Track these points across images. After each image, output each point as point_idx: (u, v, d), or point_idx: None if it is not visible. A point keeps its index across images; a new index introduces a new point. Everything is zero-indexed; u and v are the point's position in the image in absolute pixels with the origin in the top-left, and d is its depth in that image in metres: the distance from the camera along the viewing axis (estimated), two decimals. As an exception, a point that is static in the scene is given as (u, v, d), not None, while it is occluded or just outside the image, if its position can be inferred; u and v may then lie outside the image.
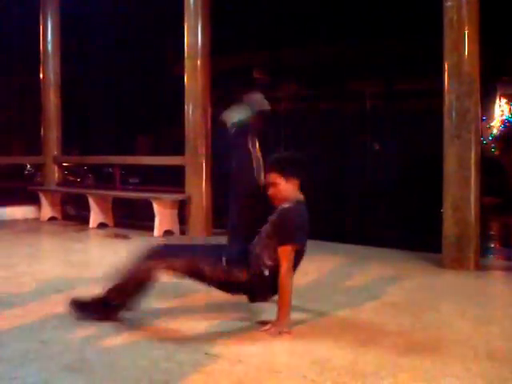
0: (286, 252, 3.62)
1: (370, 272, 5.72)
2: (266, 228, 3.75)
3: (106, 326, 3.77)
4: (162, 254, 3.89)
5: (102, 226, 8.94)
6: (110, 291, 3.86)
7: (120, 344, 3.49)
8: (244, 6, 13.63)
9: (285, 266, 3.61)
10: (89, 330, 3.72)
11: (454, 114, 5.74)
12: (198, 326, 3.83)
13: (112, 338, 3.58)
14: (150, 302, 4.11)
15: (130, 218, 9.90)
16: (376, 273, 5.67)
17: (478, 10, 5.76)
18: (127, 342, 3.52)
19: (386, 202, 11.41)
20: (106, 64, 14.69)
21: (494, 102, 18.51)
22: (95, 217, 8.94)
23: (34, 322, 3.92)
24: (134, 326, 3.83)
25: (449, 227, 5.81)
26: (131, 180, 13.21)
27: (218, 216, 8.18)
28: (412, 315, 4.14)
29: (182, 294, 4.60)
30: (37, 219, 9.91)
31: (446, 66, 5.81)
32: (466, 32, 5.70)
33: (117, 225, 9.11)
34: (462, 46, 5.70)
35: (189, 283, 3.97)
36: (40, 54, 10.29)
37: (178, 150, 8.50)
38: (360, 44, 14.14)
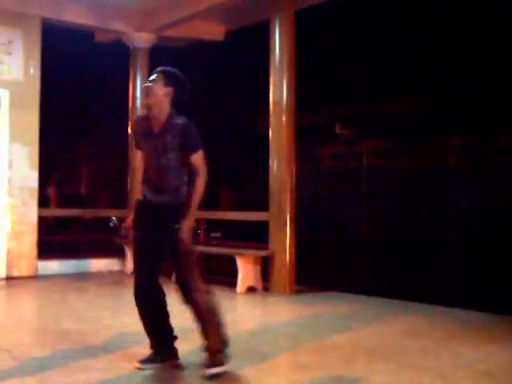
0: (201, 157, 4.01)
1: (458, 338, 5.41)
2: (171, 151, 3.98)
3: None
4: (192, 277, 4.02)
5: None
6: (208, 338, 4.00)
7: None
8: (329, 62, 13.72)
9: (205, 169, 4.01)
10: None
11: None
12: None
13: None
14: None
15: (212, 273, 9.87)
16: (468, 338, 5.36)
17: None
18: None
19: (473, 260, 11.01)
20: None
21: None
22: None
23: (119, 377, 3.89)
24: None
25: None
26: (213, 234, 13.26)
27: (301, 272, 8.07)
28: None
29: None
30: (121, 271, 10.03)
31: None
32: None
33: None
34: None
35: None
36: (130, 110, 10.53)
37: (259, 204, 8.49)
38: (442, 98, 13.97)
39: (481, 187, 13.98)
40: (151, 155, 4.03)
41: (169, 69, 4.11)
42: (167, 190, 4.01)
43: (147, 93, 4.00)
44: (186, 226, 3.92)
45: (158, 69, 4.11)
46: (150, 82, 4.02)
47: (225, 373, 3.94)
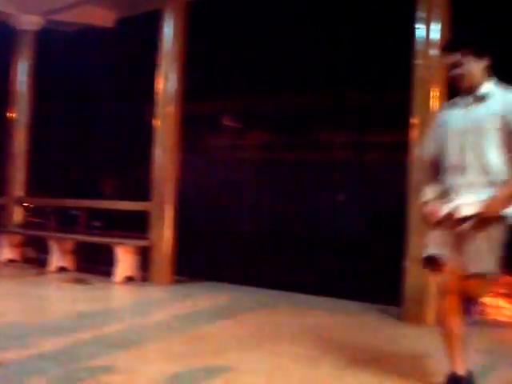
0: None
1: (330, 325, 5.64)
2: None
3: None
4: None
5: (62, 270, 8.71)
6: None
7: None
8: (217, 54, 13.77)
9: None
10: None
11: (420, 169, 5.75)
12: None
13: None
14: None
15: (92, 262, 9.68)
16: (337, 326, 5.59)
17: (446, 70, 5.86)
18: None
19: (349, 253, 11.40)
20: (74, 105, 14.64)
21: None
22: (55, 260, 8.72)
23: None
24: None
25: (410, 281, 5.80)
26: (94, 223, 13.00)
27: (183, 262, 8.06)
28: (371, 370, 4.04)
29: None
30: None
31: (414, 121, 5.87)
32: (435, 89, 5.78)
33: (78, 269, 8.90)
34: (430, 103, 5.78)
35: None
36: (11, 93, 10.14)
37: (146, 193, 8.42)
38: (331, 95, 14.39)
39: (361, 182, 14.48)
40: None
41: None
42: None
43: None
44: None
45: None
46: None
47: None
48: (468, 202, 3.46)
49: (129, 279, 7.90)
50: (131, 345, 4.58)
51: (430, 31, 5.84)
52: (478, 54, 3.57)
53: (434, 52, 5.79)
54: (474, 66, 3.56)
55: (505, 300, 9.02)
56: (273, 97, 15.49)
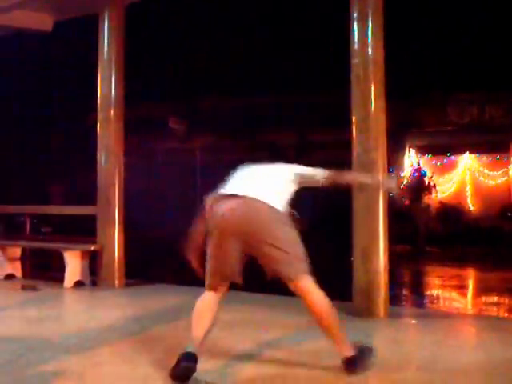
0: None
1: (276, 322, 5.71)
2: None
3: None
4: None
5: (9, 277, 8.61)
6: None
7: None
8: (161, 57, 13.77)
9: None
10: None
11: (361, 166, 5.91)
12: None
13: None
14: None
15: (41, 268, 9.60)
16: (284, 323, 5.68)
17: (384, 68, 6.02)
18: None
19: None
20: (15, 112, 14.42)
21: (404, 154, 19.27)
22: (2, 267, 8.61)
23: None
24: None
25: (358, 276, 5.92)
26: (43, 229, 12.88)
27: (132, 266, 8.06)
28: (314, 364, 4.16)
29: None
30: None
31: (353, 120, 6.01)
32: (373, 88, 5.92)
33: (26, 276, 8.81)
34: (369, 101, 5.91)
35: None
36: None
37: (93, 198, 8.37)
38: (273, 96, 14.53)
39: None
40: None
41: None
42: None
43: None
44: None
45: None
46: None
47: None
48: None
49: (79, 284, 7.86)
50: (83, 349, 4.60)
51: (367, 29, 5.96)
52: None
53: (370, 51, 5.94)
54: None
55: (456, 292, 9.33)
56: (219, 98, 15.55)
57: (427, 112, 17.59)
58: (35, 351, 4.51)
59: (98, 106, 7.98)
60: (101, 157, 7.91)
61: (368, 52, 5.94)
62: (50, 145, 14.68)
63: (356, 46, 5.99)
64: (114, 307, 6.81)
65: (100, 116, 7.98)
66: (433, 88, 15.89)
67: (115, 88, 7.89)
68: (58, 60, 13.19)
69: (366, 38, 5.95)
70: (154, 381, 3.86)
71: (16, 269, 8.77)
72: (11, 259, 8.73)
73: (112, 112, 7.88)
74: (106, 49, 7.93)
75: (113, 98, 7.89)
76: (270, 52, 13.63)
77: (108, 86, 7.89)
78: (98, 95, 7.97)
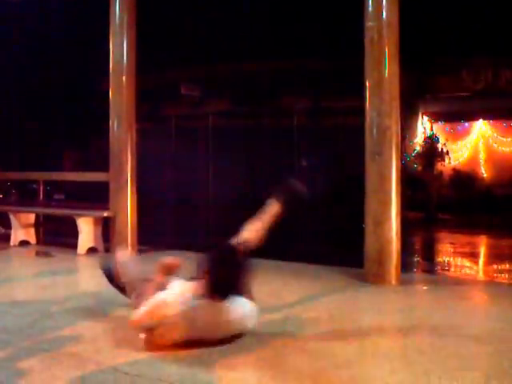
0: None
1: (292, 288, 5.74)
2: None
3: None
4: None
5: (24, 243, 8.68)
6: None
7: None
8: (175, 21, 13.63)
9: None
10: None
11: (374, 132, 5.87)
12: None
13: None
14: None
15: (55, 235, 9.65)
16: (299, 288, 5.71)
17: (398, 31, 5.93)
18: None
19: (310, 217, 11.53)
20: (30, 78, 14.39)
21: (417, 120, 19.09)
22: (17, 234, 8.68)
23: None
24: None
25: (370, 242, 5.92)
26: (56, 196, 12.93)
27: (144, 233, 8.09)
28: (333, 329, 4.19)
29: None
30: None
31: (367, 85, 5.94)
32: (387, 52, 5.84)
33: (39, 242, 8.87)
34: (383, 65, 5.84)
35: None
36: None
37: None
38: (287, 62, 14.40)
39: (322, 147, 14.59)
40: None
41: None
42: None
43: None
44: None
45: None
46: None
47: None
48: None
49: (92, 250, 7.92)
50: (97, 314, 4.65)
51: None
52: None
53: (385, 13, 5.85)
54: None
55: (468, 259, 9.31)
56: (232, 64, 15.44)
57: (441, 77, 17.36)
58: (50, 316, 4.56)
59: (110, 72, 7.93)
60: (113, 123, 7.89)
61: (383, 14, 5.85)
62: (63, 110, 14.63)
63: (371, 9, 5.91)
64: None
65: (112, 82, 7.94)
66: (448, 53, 15.66)
67: (127, 55, 7.83)
68: (71, 25, 13.10)
69: (380, 0, 5.85)
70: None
71: (30, 235, 8.84)
72: (25, 226, 8.80)
73: (124, 78, 7.84)
74: (117, 14, 7.85)
75: (124, 65, 7.83)
76: (284, 16, 13.46)
77: (120, 52, 7.83)
78: (110, 61, 7.92)
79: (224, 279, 3.69)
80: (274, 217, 4.28)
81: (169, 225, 11.42)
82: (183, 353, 3.59)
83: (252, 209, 4.35)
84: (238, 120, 16.01)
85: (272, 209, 4.29)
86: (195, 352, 3.60)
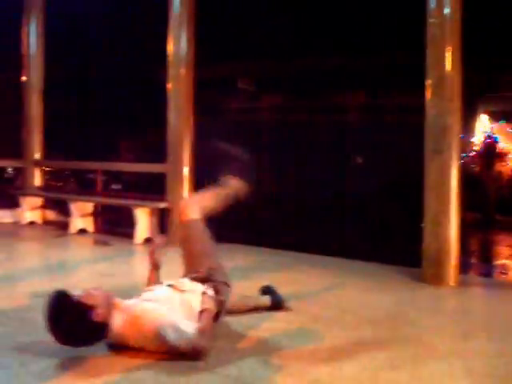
0: None
1: (349, 285, 5.71)
2: None
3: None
4: None
5: (82, 232, 8.87)
6: None
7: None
8: (232, 16, 13.69)
9: None
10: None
11: (435, 130, 5.77)
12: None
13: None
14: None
15: (113, 224, 9.83)
16: (356, 286, 5.67)
17: (461, 28, 5.81)
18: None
19: (367, 215, 11.44)
20: (91, 68, 14.66)
21: (476, 119, 18.71)
22: (75, 222, 8.88)
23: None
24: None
25: (429, 242, 5.83)
26: (114, 186, 13.16)
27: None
28: (390, 330, 4.15)
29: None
30: (16, 223, 9.81)
31: (428, 82, 5.84)
32: (449, 49, 5.73)
33: (97, 231, 9.05)
34: (444, 62, 5.74)
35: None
36: (23, 56, 10.19)
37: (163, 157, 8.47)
38: (346, 58, 14.28)
39: (377, 145, 14.45)
40: None
41: None
42: None
43: None
44: None
45: None
46: None
47: None
48: None
49: (148, 241, 8.02)
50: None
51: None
52: None
53: (447, 9, 5.74)
54: None
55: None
56: (287, 59, 15.41)
57: (503, 76, 16.94)
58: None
59: (169, 64, 8.00)
60: (171, 115, 7.97)
61: (445, 11, 5.74)
62: (121, 99, 14.84)
63: (433, 5, 5.80)
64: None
65: (170, 74, 8.01)
66: (511, 51, 15.28)
67: (186, 47, 7.88)
68: (127, 17, 13.29)
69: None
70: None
71: (89, 224, 9.02)
72: (83, 215, 8.98)
73: (182, 70, 7.89)
74: (177, 5, 7.90)
75: (183, 57, 7.89)
76: (343, 11, 13.35)
77: (179, 44, 7.89)
78: (169, 54, 7.99)
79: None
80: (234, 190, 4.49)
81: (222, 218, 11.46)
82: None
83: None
84: (290, 114, 16.01)
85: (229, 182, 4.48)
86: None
